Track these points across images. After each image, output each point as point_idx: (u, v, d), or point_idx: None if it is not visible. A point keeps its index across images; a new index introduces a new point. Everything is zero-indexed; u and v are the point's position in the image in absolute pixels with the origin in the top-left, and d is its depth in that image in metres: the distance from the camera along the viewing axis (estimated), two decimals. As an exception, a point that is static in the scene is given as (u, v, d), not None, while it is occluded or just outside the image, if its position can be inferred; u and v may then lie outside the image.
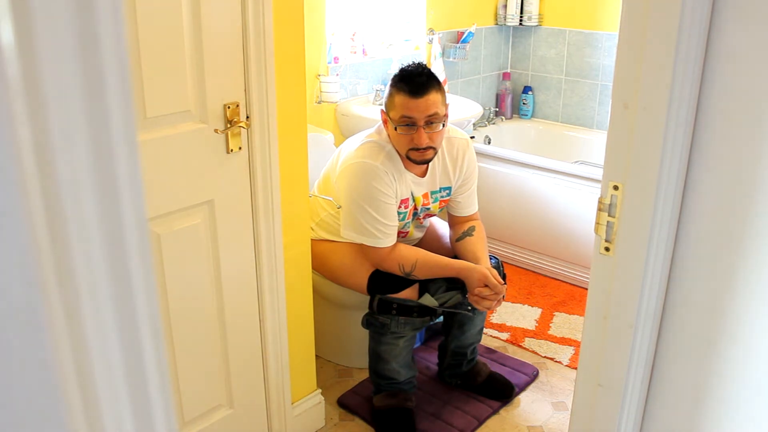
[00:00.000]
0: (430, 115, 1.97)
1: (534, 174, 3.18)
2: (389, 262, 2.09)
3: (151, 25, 1.44)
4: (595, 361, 1.20)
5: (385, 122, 2.08)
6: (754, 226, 1.02)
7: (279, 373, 1.97)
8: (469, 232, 2.24)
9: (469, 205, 2.30)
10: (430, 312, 2.10)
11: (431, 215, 2.32)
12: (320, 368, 2.46)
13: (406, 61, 2.15)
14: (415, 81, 1.97)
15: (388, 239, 2.07)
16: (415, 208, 2.21)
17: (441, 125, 2.00)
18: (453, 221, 2.33)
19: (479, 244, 2.20)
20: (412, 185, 2.14)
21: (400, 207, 2.13)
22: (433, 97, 1.97)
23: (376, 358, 2.19)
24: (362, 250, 2.12)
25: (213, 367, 1.82)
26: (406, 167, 2.11)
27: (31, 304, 0.42)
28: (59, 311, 0.44)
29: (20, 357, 0.43)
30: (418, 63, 2.06)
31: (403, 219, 2.17)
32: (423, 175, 2.16)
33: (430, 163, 2.14)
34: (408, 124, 1.98)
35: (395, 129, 2.01)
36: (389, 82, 2.05)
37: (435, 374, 2.47)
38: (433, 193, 2.21)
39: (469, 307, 2.13)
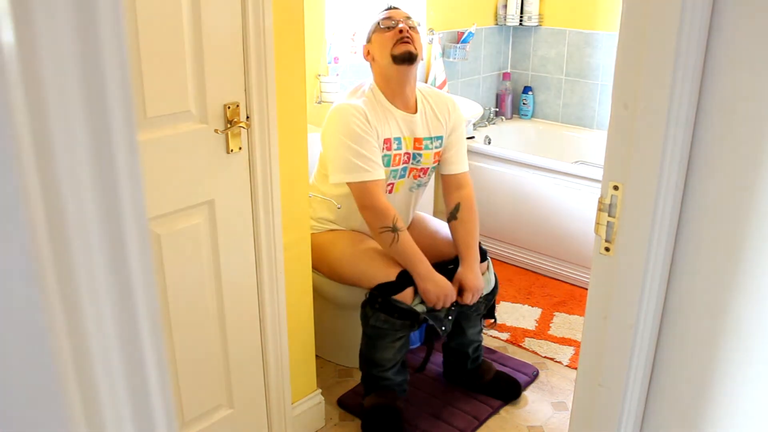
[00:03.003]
0: (407, 17, 2.17)
1: (534, 174, 3.18)
2: (381, 201, 2.07)
3: (151, 25, 1.44)
4: (595, 361, 1.20)
5: (366, 55, 2.21)
6: (754, 226, 1.02)
7: (279, 373, 1.97)
8: (454, 214, 2.25)
9: (457, 161, 2.30)
10: (411, 317, 2.08)
11: (425, 171, 2.28)
12: (320, 368, 2.46)
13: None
14: (388, 5, 2.24)
15: (376, 170, 2.08)
16: (408, 156, 2.21)
17: (417, 31, 2.17)
18: (444, 186, 2.32)
19: (461, 229, 2.22)
20: (401, 123, 2.17)
21: (383, 149, 2.14)
22: (406, 11, 2.23)
23: (365, 359, 2.19)
24: (355, 193, 2.10)
25: (213, 367, 1.82)
26: (392, 102, 2.16)
27: (31, 304, 0.42)
28: (59, 311, 0.44)
29: (20, 357, 0.43)
30: None
31: (387, 164, 2.15)
32: (414, 110, 2.20)
33: (420, 107, 2.21)
34: (389, 26, 2.14)
35: (379, 28, 2.16)
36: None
37: (435, 374, 2.47)
38: (426, 139, 2.23)
39: (443, 327, 2.12)
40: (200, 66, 1.55)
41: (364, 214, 2.11)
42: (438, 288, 2.08)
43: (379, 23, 2.17)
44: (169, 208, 1.60)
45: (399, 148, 2.18)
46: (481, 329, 2.38)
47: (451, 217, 2.25)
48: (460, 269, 2.16)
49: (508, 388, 2.36)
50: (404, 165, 2.22)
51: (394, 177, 2.22)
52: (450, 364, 2.41)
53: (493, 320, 2.37)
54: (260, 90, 1.67)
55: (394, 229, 2.07)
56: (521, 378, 2.45)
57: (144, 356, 0.50)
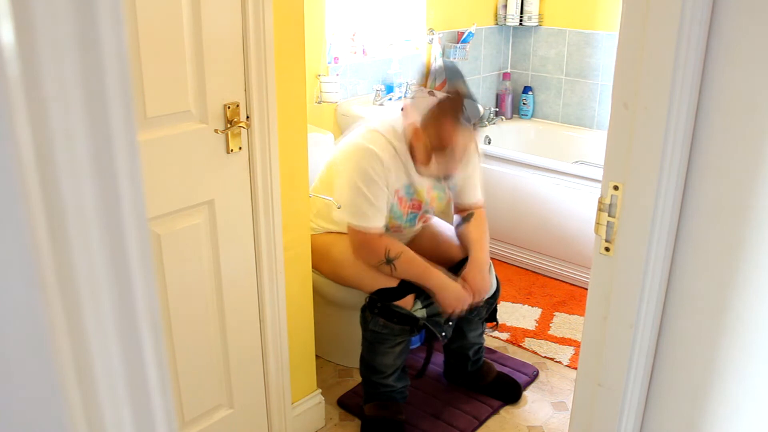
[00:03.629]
0: (471, 145, 2.04)
1: (534, 174, 3.18)
2: (374, 244, 2.04)
3: (151, 25, 1.44)
4: (595, 361, 1.20)
5: (413, 134, 2.01)
6: (753, 226, 1.02)
7: (279, 373, 1.97)
8: (467, 218, 2.23)
9: (469, 191, 2.26)
10: (411, 322, 2.07)
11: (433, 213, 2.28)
12: (320, 368, 2.46)
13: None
14: (473, 114, 1.99)
15: (376, 220, 2.03)
16: (419, 206, 2.16)
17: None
18: (456, 210, 2.31)
19: (474, 231, 2.19)
20: (416, 179, 2.10)
21: (393, 199, 2.10)
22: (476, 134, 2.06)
23: (366, 365, 2.18)
24: (351, 235, 2.08)
25: (213, 367, 1.82)
26: (415, 165, 2.07)
27: (31, 304, 0.42)
28: (59, 311, 0.44)
29: (20, 357, 0.43)
30: (466, 89, 2.02)
31: (396, 214, 2.12)
32: (427, 162, 2.10)
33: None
34: (442, 148, 1.98)
35: (423, 142, 1.99)
36: (437, 105, 1.98)
37: (436, 375, 2.47)
38: (436, 187, 2.17)
39: (443, 333, 2.10)
40: (200, 66, 1.55)
41: (357, 254, 2.09)
42: (455, 296, 2.05)
43: (453, 120, 1.95)
44: (169, 208, 1.60)
45: (407, 197, 2.13)
46: (483, 332, 2.37)
47: (463, 221, 2.23)
48: (468, 268, 2.12)
49: (508, 390, 2.36)
50: (413, 212, 2.17)
51: (400, 221, 2.18)
52: (450, 366, 2.41)
53: (494, 323, 2.36)
54: (260, 90, 1.67)
55: (389, 261, 2.05)
56: (521, 378, 2.45)
57: (144, 356, 0.50)
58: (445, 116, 1.96)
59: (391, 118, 2.13)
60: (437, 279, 2.06)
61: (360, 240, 2.06)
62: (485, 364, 2.40)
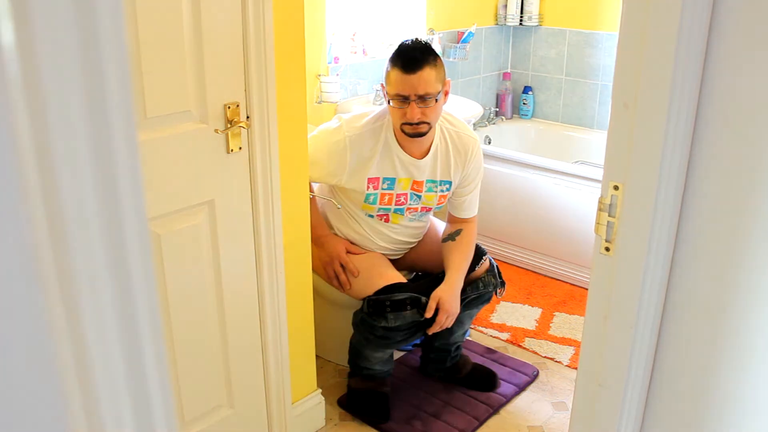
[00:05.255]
0: (422, 94, 1.97)
1: (534, 174, 3.18)
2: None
3: (151, 25, 1.44)
4: (595, 361, 1.20)
5: (385, 98, 2.08)
6: (754, 226, 1.02)
7: (279, 373, 1.97)
8: (452, 236, 2.22)
9: (467, 207, 2.27)
10: (417, 304, 2.07)
11: (427, 209, 2.25)
12: (320, 368, 2.46)
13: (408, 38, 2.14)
14: (409, 56, 1.98)
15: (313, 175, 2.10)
16: (404, 197, 2.17)
17: (434, 100, 2.00)
18: (449, 218, 2.33)
19: (456, 254, 2.17)
20: (401, 166, 2.11)
21: (368, 188, 2.12)
22: (427, 73, 1.96)
23: (356, 353, 2.24)
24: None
25: (213, 367, 1.82)
26: (402, 146, 2.10)
27: (31, 304, 0.42)
28: (59, 311, 0.44)
29: (20, 356, 0.43)
30: (416, 38, 2.06)
31: (373, 202, 2.15)
32: (422, 156, 2.12)
33: (434, 149, 2.13)
34: (401, 98, 1.99)
35: (389, 103, 2.03)
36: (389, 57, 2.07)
37: (432, 370, 2.47)
38: (430, 181, 2.17)
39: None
40: (200, 66, 1.55)
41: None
42: (328, 253, 2.18)
43: (391, 95, 2.01)
44: (169, 208, 1.60)
45: (390, 188, 2.14)
46: (467, 331, 2.40)
47: (449, 238, 2.23)
48: (443, 288, 2.11)
49: (484, 380, 2.39)
50: (398, 206, 2.19)
51: (386, 211, 2.20)
52: (429, 360, 2.42)
53: (502, 288, 2.31)
54: (260, 90, 1.67)
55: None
56: (521, 378, 2.45)
57: (144, 356, 0.50)
58: (392, 62, 2.01)
59: (382, 110, 2.17)
60: (323, 232, 2.20)
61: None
62: (461, 358, 2.43)
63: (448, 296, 2.09)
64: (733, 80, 0.99)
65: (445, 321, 2.10)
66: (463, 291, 2.15)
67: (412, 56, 1.98)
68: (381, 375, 2.26)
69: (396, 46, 2.04)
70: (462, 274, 2.14)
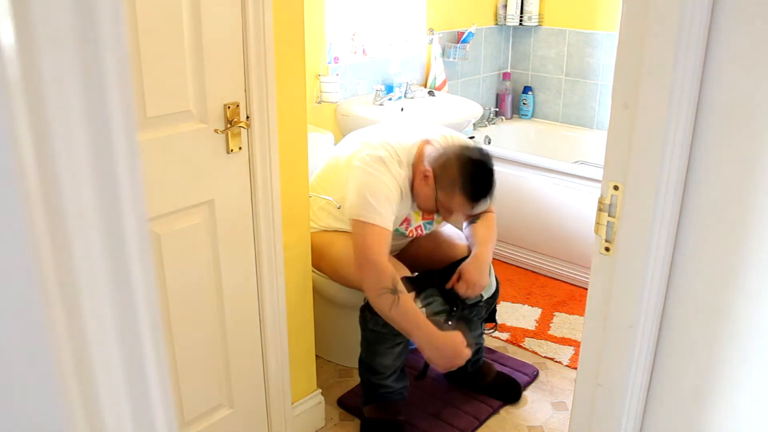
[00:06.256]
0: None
1: (534, 174, 3.18)
2: (383, 257, 1.92)
3: (151, 25, 1.44)
4: (595, 361, 1.20)
5: (423, 178, 1.99)
6: (753, 226, 1.02)
7: (279, 373, 1.97)
8: (474, 219, 2.25)
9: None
10: (428, 285, 2.07)
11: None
12: (320, 368, 2.46)
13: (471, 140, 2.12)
14: (484, 193, 1.99)
15: (386, 220, 1.95)
16: (419, 229, 2.22)
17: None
18: (465, 217, 2.33)
19: (481, 230, 2.20)
20: (404, 208, 2.12)
21: (402, 225, 2.15)
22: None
23: (367, 367, 2.19)
24: (357, 240, 1.97)
25: (213, 367, 1.82)
26: (415, 202, 2.12)
27: (31, 304, 0.42)
28: (59, 311, 0.44)
29: (20, 357, 0.43)
30: (485, 162, 2.00)
31: (403, 234, 2.20)
32: (427, 210, 2.17)
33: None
34: (448, 214, 2.06)
35: (462, 199, 1.98)
36: (458, 172, 1.95)
37: (436, 375, 2.46)
38: (427, 225, 2.23)
39: (450, 322, 2.09)
40: (200, 66, 1.55)
41: (361, 270, 1.93)
42: (444, 353, 1.92)
43: (442, 189, 1.97)
44: (169, 208, 1.60)
45: (406, 224, 2.19)
46: (482, 332, 2.37)
47: (472, 221, 2.25)
48: (468, 260, 2.11)
49: (508, 389, 2.36)
50: (399, 228, 2.21)
51: (402, 235, 2.22)
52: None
53: (494, 324, 2.36)
54: (260, 90, 1.67)
55: (394, 291, 1.89)
56: (521, 378, 2.45)
57: (144, 356, 0.50)
58: (463, 189, 1.96)
59: (402, 143, 2.07)
60: (425, 334, 1.90)
61: (368, 243, 1.92)
62: (485, 364, 2.40)
63: (472, 266, 2.08)
64: (733, 80, 0.99)
65: (466, 290, 2.07)
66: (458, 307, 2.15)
67: (486, 194, 1.99)
68: (396, 396, 2.19)
69: (470, 164, 1.96)
70: (489, 248, 2.15)
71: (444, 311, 2.10)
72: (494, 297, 2.26)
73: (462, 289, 2.08)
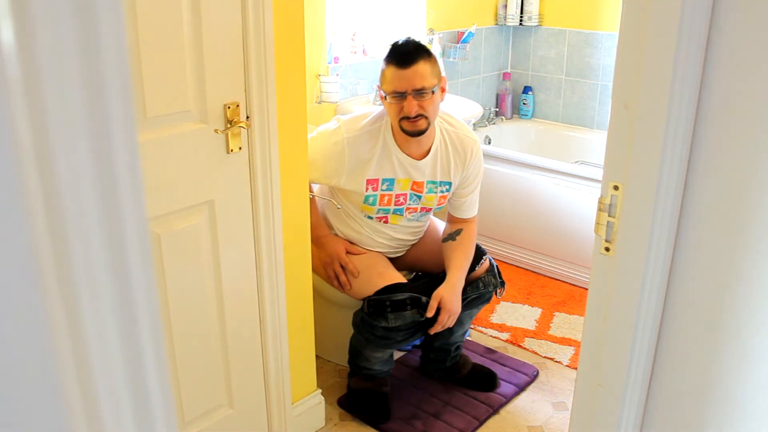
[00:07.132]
0: (418, 87, 1.98)
1: (534, 174, 3.18)
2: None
3: (151, 25, 1.44)
4: (595, 361, 1.20)
5: (382, 99, 2.07)
6: (754, 226, 1.02)
7: (279, 373, 1.97)
8: (453, 236, 2.22)
9: (467, 208, 2.27)
10: (418, 304, 2.08)
11: (427, 209, 2.25)
12: (320, 368, 2.46)
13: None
14: (402, 51, 2.00)
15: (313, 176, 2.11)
16: (404, 197, 2.17)
17: (431, 93, 2.00)
18: (448, 218, 2.33)
19: (457, 252, 2.18)
20: (400, 167, 2.11)
21: (367, 189, 2.12)
22: (421, 67, 1.98)
23: (356, 353, 2.24)
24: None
25: (213, 367, 1.82)
26: (400, 147, 2.09)
27: (31, 304, 0.42)
28: (59, 311, 0.44)
29: (20, 357, 0.43)
30: (408, 37, 2.08)
31: (373, 203, 2.15)
32: (421, 157, 2.12)
33: (434, 150, 2.13)
34: (398, 95, 1.99)
35: (386, 99, 2.03)
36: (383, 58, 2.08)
37: (424, 371, 2.47)
38: (430, 182, 2.16)
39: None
40: (200, 66, 1.55)
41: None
42: (328, 254, 2.18)
43: (387, 92, 2.01)
44: (169, 208, 1.60)
45: (389, 189, 2.14)
46: (467, 331, 2.40)
47: (449, 238, 2.23)
48: (443, 285, 2.12)
49: (484, 380, 2.39)
50: (398, 207, 2.19)
51: (385, 213, 2.20)
52: (429, 360, 2.42)
53: (502, 288, 2.32)
54: (260, 90, 1.67)
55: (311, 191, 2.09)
56: (521, 378, 2.45)
57: (144, 356, 0.50)
58: (387, 60, 2.03)
59: (361, 113, 2.19)
60: (323, 232, 2.21)
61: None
62: (461, 358, 2.43)
63: (449, 295, 2.09)
64: (733, 80, 0.99)
65: (447, 320, 2.10)
66: (464, 291, 2.15)
67: (405, 51, 2.00)
68: (381, 375, 2.27)
69: (389, 46, 2.06)
70: (463, 274, 2.14)
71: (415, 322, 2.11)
72: (494, 271, 2.28)
73: (443, 319, 2.09)
